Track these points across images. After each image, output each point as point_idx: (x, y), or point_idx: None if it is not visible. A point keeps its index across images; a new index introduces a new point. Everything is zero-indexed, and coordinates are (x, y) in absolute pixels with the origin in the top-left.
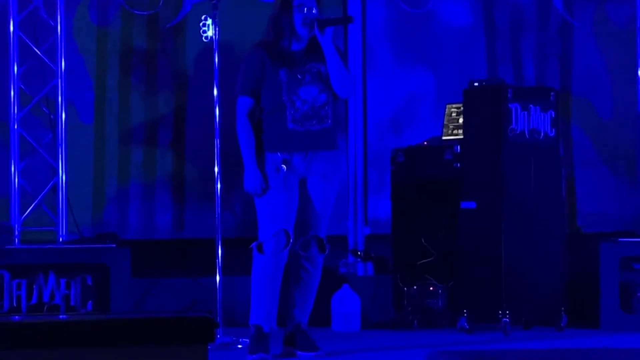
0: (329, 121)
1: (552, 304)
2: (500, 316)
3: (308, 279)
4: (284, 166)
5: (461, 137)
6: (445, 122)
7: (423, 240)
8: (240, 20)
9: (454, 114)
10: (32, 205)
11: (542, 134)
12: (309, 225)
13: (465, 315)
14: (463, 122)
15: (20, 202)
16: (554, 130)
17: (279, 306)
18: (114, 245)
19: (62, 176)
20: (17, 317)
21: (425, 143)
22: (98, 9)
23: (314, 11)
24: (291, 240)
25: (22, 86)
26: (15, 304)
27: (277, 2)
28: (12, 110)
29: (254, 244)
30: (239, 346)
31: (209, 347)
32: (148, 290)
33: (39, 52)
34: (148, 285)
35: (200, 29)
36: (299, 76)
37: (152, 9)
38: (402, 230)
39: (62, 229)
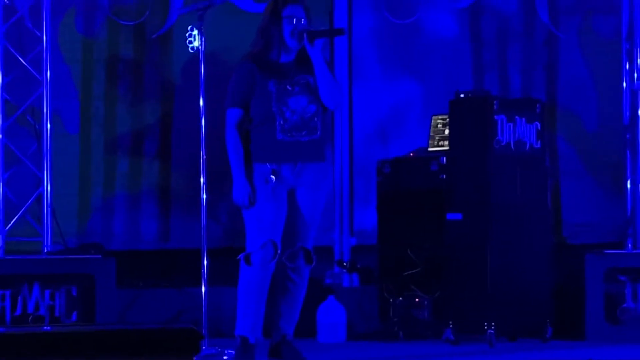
0: (319, 132)
1: (538, 316)
2: (485, 327)
3: (294, 290)
4: (273, 177)
5: (447, 148)
6: (431, 134)
7: (409, 251)
8: (226, 31)
9: (439, 125)
10: (17, 216)
11: (527, 146)
12: (297, 236)
13: (450, 326)
14: (449, 133)
15: (5, 213)
16: (539, 141)
17: (264, 317)
18: (99, 256)
19: (47, 186)
20: (1, 328)
21: (412, 154)
22: (84, 19)
23: (303, 22)
24: (279, 252)
25: (7, 96)
26: None
27: (266, 13)
28: None
29: (241, 255)
30: (225, 357)
31: (194, 358)
32: (133, 301)
33: (24, 62)
34: (133, 295)
35: (187, 39)
36: (289, 87)
37: (138, 19)
38: (388, 241)
39: (47, 240)
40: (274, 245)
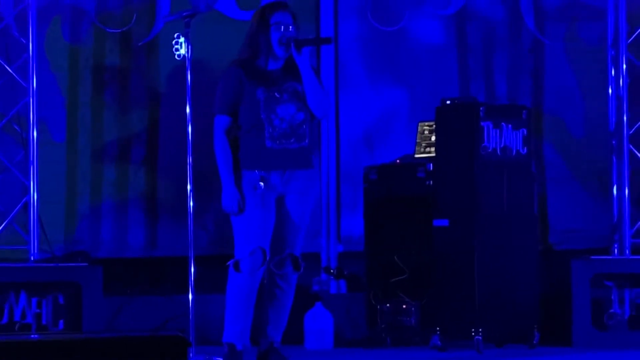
0: (307, 140)
1: (525, 322)
2: (473, 334)
3: (282, 297)
4: (261, 184)
5: (434, 155)
6: (417, 140)
7: (396, 258)
8: (213, 38)
9: (426, 132)
10: (4, 224)
11: (514, 152)
12: (285, 243)
13: (438, 333)
14: (435, 140)
15: None
16: (526, 147)
17: (252, 324)
18: (85, 264)
19: (34, 194)
20: None
21: (398, 161)
22: (70, 27)
23: (291, 29)
24: (267, 259)
25: None
26: None
27: (254, 20)
28: None
29: (231, 262)
30: None
31: None
32: (120, 309)
33: (10, 70)
34: (120, 303)
35: (173, 46)
36: (277, 95)
37: (125, 26)
38: (375, 247)
39: (34, 248)
40: (263, 252)
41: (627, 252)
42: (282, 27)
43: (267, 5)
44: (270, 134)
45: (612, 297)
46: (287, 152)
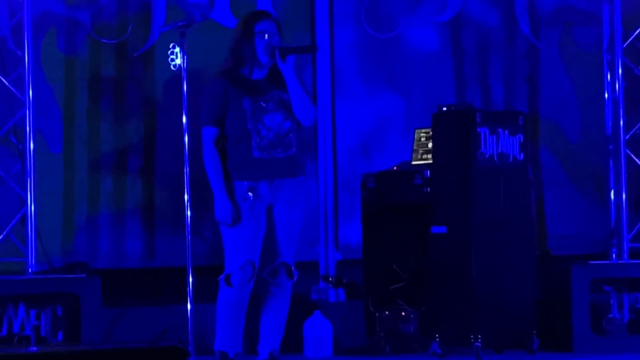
0: (294, 148)
1: (524, 327)
2: (472, 340)
3: (278, 305)
4: (250, 194)
5: (431, 161)
6: (414, 147)
7: (394, 266)
8: (208, 48)
9: (423, 139)
10: (1, 236)
11: (511, 158)
12: (277, 252)
13: (437, 339)
14: (432, 146)
15: None
16: (522, 153)
17: (250, 334)
18: (83, 275)
19: (31, 206)
20: None
21: (395, 168)
22: (66, 38)
23: (275, 38)
24: (256, 272)
25: None
26: None
27: (238, 29)
28: None
29: (221, 277)
30: None
31: None
32: (119, 319)
33: (6, 82)
34: (119, 314)
35: (169, 56)
36: (263, 104)
37: (120, 37)
38: (373, 255)
39: (32, 260)
40: (252, 265)
41: (626, 256)
42: (267, 35)
43: (251, 14)
44: (257, 144)
45: (611, 302)
46: (275, 162)
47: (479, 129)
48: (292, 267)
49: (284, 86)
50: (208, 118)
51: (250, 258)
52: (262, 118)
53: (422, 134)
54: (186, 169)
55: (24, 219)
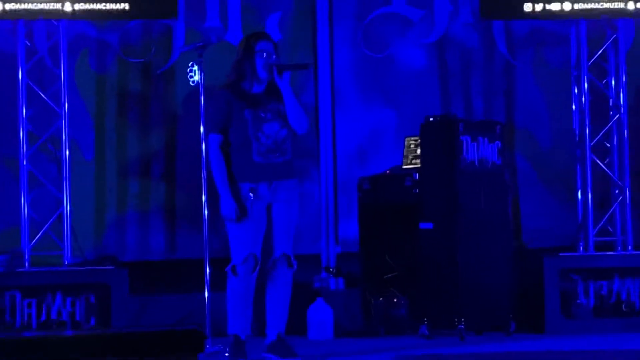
0: (289, 154)
1: (502, 312)
2: (456, 323)
3: (281, 292)
4: (251, 194)
5: (419, 166)
6: (405, 153)
7: (387, 257)
8: (223, 66)
9: (412, 146)
10: (40, 232)
11: (490, 163)
12: (278, 244)
13: (425, 323)
14: (420, 152)
15: (30, 230)
16: (500, 158)
17: (259, 318)
18: (113, 267)
19: (67, 206)
20: (28, 333)
21: (388, 172)
22: (97, 58)
23: (272, 57)
24: (259, 263)
25: (30, 127)
26: (26, 322)
27: (240, 48)
28: (21, 149)
29: (228, 268)
30: (226, 354)
31: (199, 356)
32: (145, 306)
33: (44, 97)
34: (144, 301)
35: (188, 74)
36: (262, 114)
37: (145, 57)
38: (369, 248)
39: (67, 253)
40: (255, 258)
41: (591, 249)
42: (265, 54)
43: (252, 35)
44: (257, 150)
45: (578, 289)
46: (273, 166)
47: (461, 137)
48: (292, 258)
49: (281, 99)
50: (213, 126)
51: (252, 251)
52: (261, 127)
53: (411, 142)
54: (203, 173)
55: (60, 218)
